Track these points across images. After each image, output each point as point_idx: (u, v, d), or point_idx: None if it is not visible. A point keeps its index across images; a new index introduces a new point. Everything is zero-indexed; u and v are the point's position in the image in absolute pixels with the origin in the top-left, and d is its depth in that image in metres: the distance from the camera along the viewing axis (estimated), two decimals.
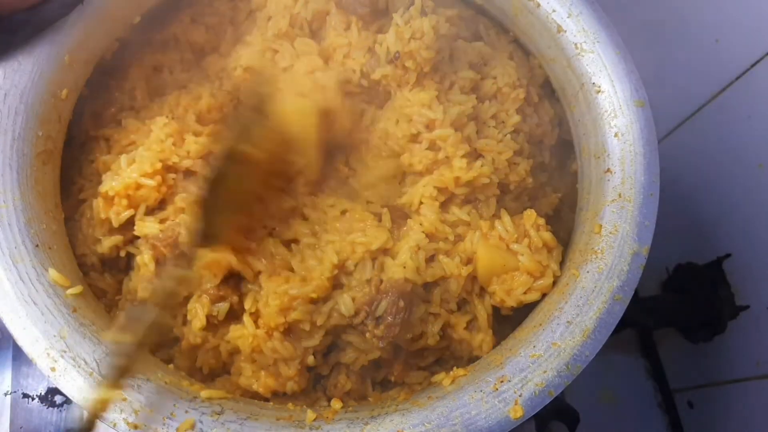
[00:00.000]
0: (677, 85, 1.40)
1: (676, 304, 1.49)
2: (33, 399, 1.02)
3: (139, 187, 0.81)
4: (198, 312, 0.77)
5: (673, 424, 1.59)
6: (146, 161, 0.81)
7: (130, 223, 0.82)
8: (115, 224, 0.81)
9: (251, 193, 0.77)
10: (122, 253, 0.84)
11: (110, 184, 0.80)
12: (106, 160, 0.86)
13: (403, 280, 0.76)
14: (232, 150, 0.71)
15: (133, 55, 0.96)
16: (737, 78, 1.23)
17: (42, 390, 1.02)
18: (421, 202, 0.83)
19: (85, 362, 0.66)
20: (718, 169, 1.36)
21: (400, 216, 0.85)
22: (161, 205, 0.83)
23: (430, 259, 0.81)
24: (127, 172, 0.81)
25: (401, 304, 0.75)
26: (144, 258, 0.79)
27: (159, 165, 0.82)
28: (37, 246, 0.72)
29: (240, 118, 0.74)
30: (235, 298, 0.78)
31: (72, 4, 0.81)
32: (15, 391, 1.02)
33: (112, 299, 0.84)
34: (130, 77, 0.95)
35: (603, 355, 0.71)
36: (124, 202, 0.81)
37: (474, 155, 0.88)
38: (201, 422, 0.65)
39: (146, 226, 0.80)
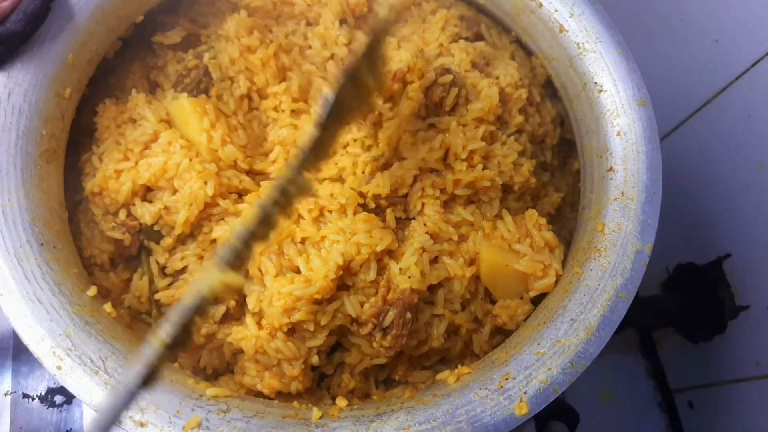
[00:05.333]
0: (677, 85, 1.41)
1: (676, 304, 1.49)
2: (33, 399, 1.01)
3: (118, 174, 0.82)
4: None
5: (673, 424, 1.59)
6: (114, 150, 0.84)
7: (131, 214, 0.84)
8: (113, 209, 0.84)
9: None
10: (132, 249, 0.84)
11: (91, 181, 0.83)
12: (93, 160, 0.87)
13: (409, 291, 0.76)
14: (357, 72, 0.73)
15: (135, 55, 0.96)
16: (737, 78, 1.24)
17: (42, 390, 1.01)
18: (423, 203, 0.83)
19: (91, 360, 0.66)
20: (718, 169, 1.37)
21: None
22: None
23: (434, 260, 0.81)
24: (102, 166, 0.84)
25: (408, 316, 0.76)
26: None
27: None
28: (42, 244, 0.72)
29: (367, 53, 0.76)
30: (232, 302, 0.78)
31: (37, 18, 0.77)
32: (15, 391, 1.01)
33: (117, 298, 0.84)
34: (132, 76, 0.95)
35: (603, 355, 0.71)
36: (114, 188, 0.82)
37: None
38: (207, 420, 0.65)
39: (144, 210, 0.82)
